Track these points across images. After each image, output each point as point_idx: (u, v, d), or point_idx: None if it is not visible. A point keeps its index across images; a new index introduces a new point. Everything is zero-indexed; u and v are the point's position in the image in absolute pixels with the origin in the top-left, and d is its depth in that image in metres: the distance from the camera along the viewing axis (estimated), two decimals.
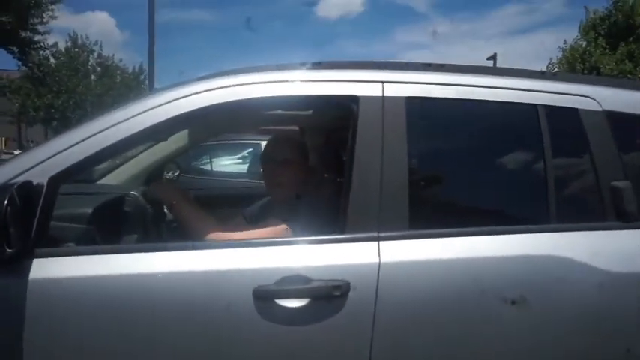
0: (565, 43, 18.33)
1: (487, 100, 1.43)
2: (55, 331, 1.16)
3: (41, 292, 1.15)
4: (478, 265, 1.27)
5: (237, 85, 1.35)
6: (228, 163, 5.96)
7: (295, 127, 2.54)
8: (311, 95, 1.43)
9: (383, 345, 1.22)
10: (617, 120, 1.46)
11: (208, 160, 5.81)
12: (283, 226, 1.46)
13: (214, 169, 5.70)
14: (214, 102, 1.33)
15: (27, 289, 1.14)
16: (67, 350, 1.17)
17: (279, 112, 2.06)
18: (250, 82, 1.36)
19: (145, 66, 15.63)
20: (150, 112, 1.30)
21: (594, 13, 17.61)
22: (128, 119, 1.28)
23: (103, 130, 1.27)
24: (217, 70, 1.49)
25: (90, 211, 1.50)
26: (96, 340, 1.17)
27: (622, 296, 1.30)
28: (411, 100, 1.37)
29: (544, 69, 18.62)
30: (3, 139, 21.13)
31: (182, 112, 1.30)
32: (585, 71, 17.13)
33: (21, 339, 1.13)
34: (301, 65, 1.47)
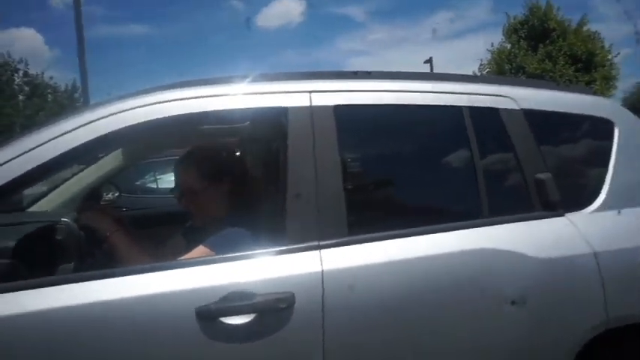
0: (492, 45, 19.49)
1: (414, 105, 1.49)
2: None
3: None
4: (417, 265, 1.31)
5: (169, 101, 1.32)
6: None
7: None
8: (243, 108, 1.41)
9: (335, 353, 1.22)
10: (533, 117, 1.56)
11: (154, 178, 5.61)
12: (207, 251, 1.39)
13: (161, 186, 5.51)
14: (147, 119, 1.29)
15: None
16: None
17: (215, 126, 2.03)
18: (183, 97, 1.33)
19: (79, 83, 14.92)
20: (78, 130, 1.24)
21: (514, 18, 18.88)
22: (52, 139, 1.22)
23: (25, 153, 1.19)
24: (157, 84, 1.44)
25: (13, 243, 1.39)
26: None
27: (552, 279, 1.38)
28: (339, 109, 1.39)
29: (476, 70, 19.70)
30: None
31: (108, 130, 1.25)
32: (512, 71, 18.26)
33: None
34: (230, 79, 1.45)
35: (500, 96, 1.56)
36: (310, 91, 1.39)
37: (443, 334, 1.31)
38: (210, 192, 1.57)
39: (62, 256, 1.55)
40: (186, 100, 1.33)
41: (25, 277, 1.32)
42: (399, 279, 1.28)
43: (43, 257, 1.49)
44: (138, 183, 5.43)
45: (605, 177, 1.55)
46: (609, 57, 18.68)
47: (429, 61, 19.11)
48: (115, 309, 1.14)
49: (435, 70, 17.73)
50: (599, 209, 1.50)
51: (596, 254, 1.41)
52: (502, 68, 18.57)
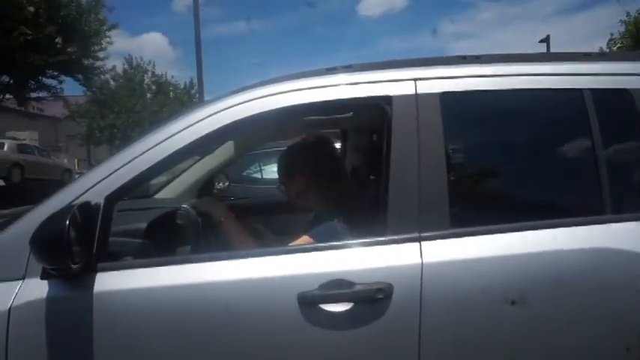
0: (628, 15, 17.01)
1: (526, 89, 1.38)
2: (121, 340, 1.24)
3: (105, 304, 1.24)
4: (520, 262, 1.23)
5: (273, 94, 1.38)
6: None
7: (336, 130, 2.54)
8: (347, 99, 1.41)
9: (431, 346, 1.20)
10: None
11: (259, 168, 5.93)
12: (305, 237, 1.44)
13: (265, 177, 5.81)
14: (251, 113, 1.36)
15: (92, 302, 1.23)
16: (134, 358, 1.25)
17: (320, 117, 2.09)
18: (285, 90, 1.38)
19: (195, 80, 16.28)
20: (193, 127, 1.35)
21: None
22: (172, 136, 1.35)
23: (151, 149, 1.34)
24: (264, 77, 1.53)
25: (145, 225, 1.59)
26: (160, 347, 1.24)
27: None
28: (445, 96, 1.34)
29: (604, 47, 17.46)
30: (76, 160, 22.88)
31: (223, 124, 1.35)
32: None
33: (90, 351, 1.22)
34: (333, 70, 1.47)
35: (634, 74, 1.38)
36: (415, 79, 1.36)
37: (545, 338, 1.22)
38: (311, 185, 1.62)
39: (182, 239, 1.73)
40: (291, 93, 1.37)
41: (153, 256, 1.50)
42: (500, 276, 1.22)
43: (167, 239, 1.68)
44: (244, 173, 5.78)
45: None
46: None
47: (546, 39, 17.43)
48: (224, 290, 1.24)
49: (552, 50, 16.15)
50: None
51: None
52: None
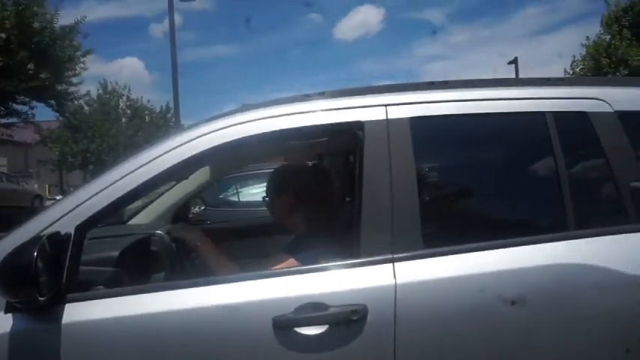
0: (587, 39, 17.90)
1: (492, 113, 1.44)
2: None
3: (73, 336, 1.21)
4: (493, 280, 1.26)
5: (250, 121, 1.40)
6: (257, 192, 6.04)
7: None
8: (322, 124, 1.44)
9: None
10: (630, 120, 1.43)
11: (236, 191, 5.91)
12: (291, 260, 1.47)
13: (242, 200, 5.79)
14: (229, 139, 1.38)
15: (60, 334, 1.20)
16: None
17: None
18: (262, 117, 1.41)
19: (171, 104, 16.22)
20: (169, 154, 1.36)
21: (616, 6, 17.13)
22: (147, 163, 1.35)
23: (125, 176, 1.34)
24: (241, 101, 1.56)
25: (117, 253, 1.56)
26: None
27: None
28: (415, 121, 1.38)
29: (568, 68, 18.25)
30: (47, 186, 22.29)
31: (200, 151, 1.36)
32: (612, 66, 16.66)
33: None
34: (308, 97, 1.51)
35: (590, 98, 1.46)
36: (386, 105, 1.40)
37: (519, 353, 1.24)
38: (300, 205, 1.65)
39: (156, 266, 1.71)
40: (268, 119, 1.40)
41: (126, 284, 1.48)
42: (474, 294, 1.24)
43: (140, 266, 1.66)
44: (221, 197, 5.74)
45: None
46: None
47: (514, 61, 18.12)
48: (198, 316, 1.23)
49: (520, 71, 16.78)
50: None
51: None
52: (599, 63, 16.99)
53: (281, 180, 1.74)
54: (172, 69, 11.75)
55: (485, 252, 1.29)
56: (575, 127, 1.44)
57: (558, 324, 1.25)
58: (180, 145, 1.37)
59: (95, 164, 21.92)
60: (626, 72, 16.39)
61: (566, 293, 1.27)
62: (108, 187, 1.32)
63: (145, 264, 1.70)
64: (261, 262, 1.74)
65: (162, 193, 2.74)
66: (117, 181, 1.33)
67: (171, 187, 2.72)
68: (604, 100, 1.45)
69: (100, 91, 23.42)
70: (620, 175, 1.37)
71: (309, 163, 1.83)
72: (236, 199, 5.83)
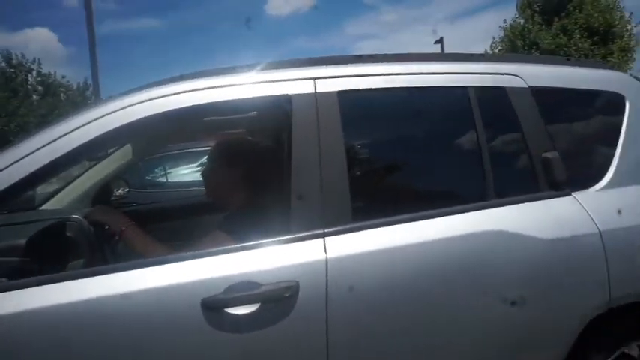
0: (505, 22, 19.02)
1: (418, 87, 1.47)
2: None
3: None
4: (421, 250, 1.30)
5: (172, 94, 1.32)
6: (187, 172, 5.81)
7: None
8: (248, 98, 1.40)
9: (339, 339, 1.22)
10: (541, 94, 1.52)
11: (164, 172, 5.65)
12: (224, 236, 1.43)
13: (171, 180, 5.55)
14: (150, 113, 1.29)
15: None
16: None
17: (224, 117, 2.04)
18: (185, 90, 1.33)
19: (90, 81, 15.05)
20: (83, 128, 1.25)
21: None
22: (59, 138, 1.23)
23: (31, 154, 1.21)
24: (168, 76, 1.45)
25: (24, 241, 1.42)
26: None
27: (558, 260, 1.37)
28: (343, 94, 1.38)
29: (488, 48, 19.31)
30: None
31: (118, 125, 1.26)
32: (526, 48, 17.85)
33: None
34: (234, 69, 1.45)
35: (508, 74, 1.53)
36: (314, 78, 1.38)
37: (450, 317, 1.31)
38: (234, 181, 1.61)
39: (73, 253, 1.58)
40: (191, 92, 1.33)
41: (36, 274, 1.35)
42: (403, 265, 1.28)
43: (54, 254, 1.52)
44: (148, 178, 5.48)
45: (613, 154, 1.52)
46: (628, 27, 18.11)
47: (440, 41, 18.80)
48: (123, 302, 1.16)
49: (446, 51, 17.47)
50: (607, 187, 1.48)
51: (601, 233, 1.39)
52: (515, 45, 18.16)
53: (228, 154, 1.68)
54: (89, 42, 10.81)
55: (412, 224, 1.32)
56: (494, 101, 1.51)
57: (477, 290, 1.32)
58: (98, 118, 1.26)
59: (1, 146, 19.95)
60: (538, 54, 17.62)
61: (485, 259, 1.34)
62: (12, 164, 1.19)
63: (59, 252, 1.56)
64: (191, 243, 1.68)
65: (79, 175, 2.53)
66: (29, 155, 1.20)
67: (90, 168, 2.53)
68: (519, 76, 1.53)
69: (4, 64, 21.16)
70: (534, 147, 1.46)
71: (252, 138, 1.77)
72: (164, 180, 5.57)
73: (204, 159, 5.59)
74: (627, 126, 1.55)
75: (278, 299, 1.19)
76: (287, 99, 1.35)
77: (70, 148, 1.24)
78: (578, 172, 1.48)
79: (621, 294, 1.40)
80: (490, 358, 1.35)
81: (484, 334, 1.33)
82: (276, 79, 1.39)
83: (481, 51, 19.34)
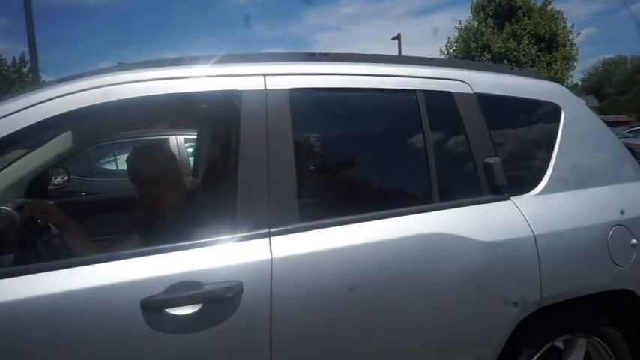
0: (460, 23, 19.64)
1: (369, 88, 1.49)
2: None
3: None
4: (365, 251, 1.32)
5: (119, 83, 1.27)
6: None
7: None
8: (197, 92, 1.36)
9: (282, 340, 1.23)
10: (486, 101, 1.59)
11: (114, 159, 5.40)
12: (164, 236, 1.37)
13: (122, 168, 5.31)
14: (95, 102, 1.23)
15: None
16: None
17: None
18: (132, 80, 1.28)
19: (28, 57, 14.10)
20: (21, 113, 1.18)
21: None
22: None
23: None
24: (118, 58, 1.40)
25: None
26: None
27: (494, 262, 1.44)
28: (294, 92, 1.37)
29: (444, 47, 19.89)
30: None
31: (60, 112, 1.20)
32: (478, 50, 18.53)
33: None
34: (185, 61, 1.41)
35: (456, 80, 1.59)
36: (265, 74, 1.36)
37: (390, 318, 1.34)
38: (169, 183, 1.57)
39: (1, 247, 1.49)
40: (138, 83, 1.28)
41: None
42: (347, 266, 1.30)
43: None
44: (97, 165, 5.23)
45: (549, 161, 1.62)
46: (570, 37, 19.23)
47: (397, 37, 19.12)
48: (59, 302, 1.10)
49: (403, 47, 17.80)
50: (543, 192, 1.57)
51: (535, 237, 1.48)
52: (469, 46, 18.83)
53: (150, 161, 1.63)
54: (26, 13, 10.03)
55: (357, 225, 1.34)
56: (441, 105, 1.55)
57: (416, 291, 1.36)
58: (39, 103, 1.20)
59: None
60: (489, 56, 18.37)
61: (425, 260, 1.39)
62: None
63: None
64: (131, 239, 1.63)
65: (10, 163, 2.38)
66: None
67: (23, 156, 2.38)
68: (466, 82, 1.59)
69: None
70: (477, 151, 1.53)
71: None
72: (114, 168, 5.32)
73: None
74: (562, 135, 1.65)
75: (221, 299, 1.17)
76: (236, 95, 1.33)
77: (5, 134, 1.16)
78: (517, 178, 1.57)
79: (551, 294, 1.49)
80: (425, 358, 1.40)
81: (421, 334, 1.38)
82: (225, 73, 1.37)
83: (436, 50, 19.89)
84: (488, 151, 1.53)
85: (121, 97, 1.26)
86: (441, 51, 19.96)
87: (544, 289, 1.46)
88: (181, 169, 1.69)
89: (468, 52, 18.40)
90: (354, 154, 1.51)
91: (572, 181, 1.62)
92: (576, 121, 1.69)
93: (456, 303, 1.39)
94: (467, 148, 1.53)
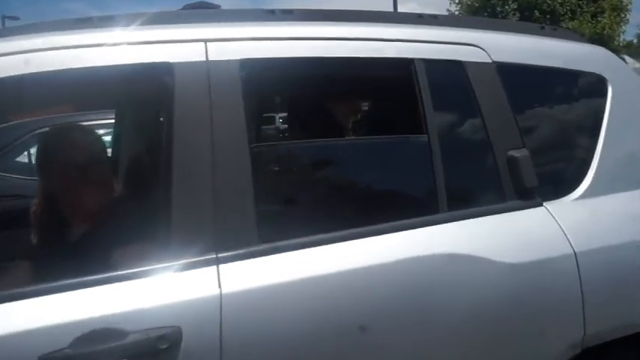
0: None
1: (349, 58, 1.48)
2: None
3: None
4: (348, 282, 1.33)
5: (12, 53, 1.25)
6: None
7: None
8: (113, 65, 1.34)
9: None
10: (509, 74, 1.61)
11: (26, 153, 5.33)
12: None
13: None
14: None
15: None
16: None
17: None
18: (31, 48, 1.26)
19: None
20: None
21: None
22: None
23: None
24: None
25: None
26: None
27: (523, 290, 1.46)
28: (247, 65, 1.36)
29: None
30: None
31: None
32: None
33: None
34: (89, 22, 1.39)
35: (468, 44, 1.60)
36: (206, 40, 1.35)
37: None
38: (94, 178, 1.57)
39: None
40: (39, 53, 1.26)
41: None
42: (324, 303, 1.30)
43: None
44: (18, 160, 5.17)
45: (594, 153, 1.64)
46: None
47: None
48: None
49: (399, 8, 17.87)
50: (586, 195, 1.60)
51: (576, 255, 1.50)
52: None
53: (51, 153, 1.62)
54: None
55: (336, 245, 1.34)
56: (448, 79, 1.57)
57: (420, 330, 1.38)
58: None
59: None
60: (515, 6, 18.68)
61: (430, 292, 1.39)
62: None
63: None
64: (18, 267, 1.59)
65: None
66: None
67: None
68: (481, 48, 1.60)
69: None
70: (498, 142, 1.54)
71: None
72: (26, 162, 5.24)
73: None
74: (609, 117, 1.68)
75: (152, 353, 1.16)
76: (167, 69, 1.31)
77: None
78: (551, 176, 1.60)
79: (598, 331, 1.52)
80: None
81: None
82: (151, 39, 1.35)
83: (443, 7, 20.15)
84: (513, 140, 1.55)
85: (10, 73, 1.24)
86: (448, 11, 20.13)
87: (589, 324, 1.49)
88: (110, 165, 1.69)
89: (479, 10, 18.71)
90: (331, 148, 1.51)
91: (625, 178, 1.66)
92: (628, 98, 1.73)
93: (471, 350, 1.41)
94: (484, 137, 1.54)
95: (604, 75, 1.72)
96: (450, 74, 1.57)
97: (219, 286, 1.23)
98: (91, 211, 1.57)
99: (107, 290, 1.22)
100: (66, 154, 1.59)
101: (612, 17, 19.32)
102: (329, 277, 1.32)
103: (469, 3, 19.98)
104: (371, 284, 1.35)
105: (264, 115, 1.55)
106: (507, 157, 1.54)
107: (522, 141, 1.56)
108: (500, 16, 17.70)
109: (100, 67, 1.32)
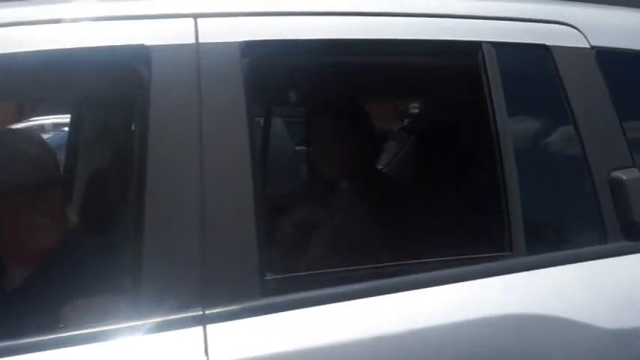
0: None
1: (391, 41, 1.49)
2: None
3: None
4: (390, 351, 1.31)
5: None
6: None
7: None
8: (69, 50, 1.35)
9: None
10: (614, 63, 1.61)
11: None
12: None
13: None
14: None
15: None
16: None
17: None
18: None
19: None
20: None
21: None
22: None
23: None
24: None
25: None
26: None
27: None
28: (250, 49, 1.37)
29: None
30: None
31: None
32: None
33: None
34: None
35: (556, 22, 1.60)
36: (196, 15, 1.37)
37: None
38: (49, 199, 1.61)
39: None
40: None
41: None
42: None
43: None
44: None
45: None
46: None
47: None
48: None
49: None
50: None
51: None
52: None
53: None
54: None
55: (372, 299, 1.34)
56: (529, 70, 1.58)
57: None
58: None
59: None
60: None
61: None
62: None
63: None
64: None
65: None
66: None
67: None
68: (575, 27, 1.60)
69: None
70: (596, 158, 1.53)
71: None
72: None
73: None
74: None
75: None
76: (141, 54, 1.33)
77: None
78: None
79: None
80: None
81: None
82: (123, 14, 1.37)
83: None
84: (619, 157, 1.55)
85: None
86: None
87: None
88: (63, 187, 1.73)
89: None
90: (361, 163, 1.51)
91: None
92: None
93: None
94: (578, 152, 1.54)
95: None
96: (531, 64, 1.57)
97: (206, 354, 1.23)
98: (37, 250, 1.59)
99: (54, 358, 1.22)
100: (5, 174, 1.61)
101: None
102: (359, 344, 1.31)
103: None
104: (419, 354, 1.34)
105: (274, 117, 1.54)
106: (611, 179, 1.52)
107: (632, 157, 1.55)
108: None
109: (47, 51, 1.34)
